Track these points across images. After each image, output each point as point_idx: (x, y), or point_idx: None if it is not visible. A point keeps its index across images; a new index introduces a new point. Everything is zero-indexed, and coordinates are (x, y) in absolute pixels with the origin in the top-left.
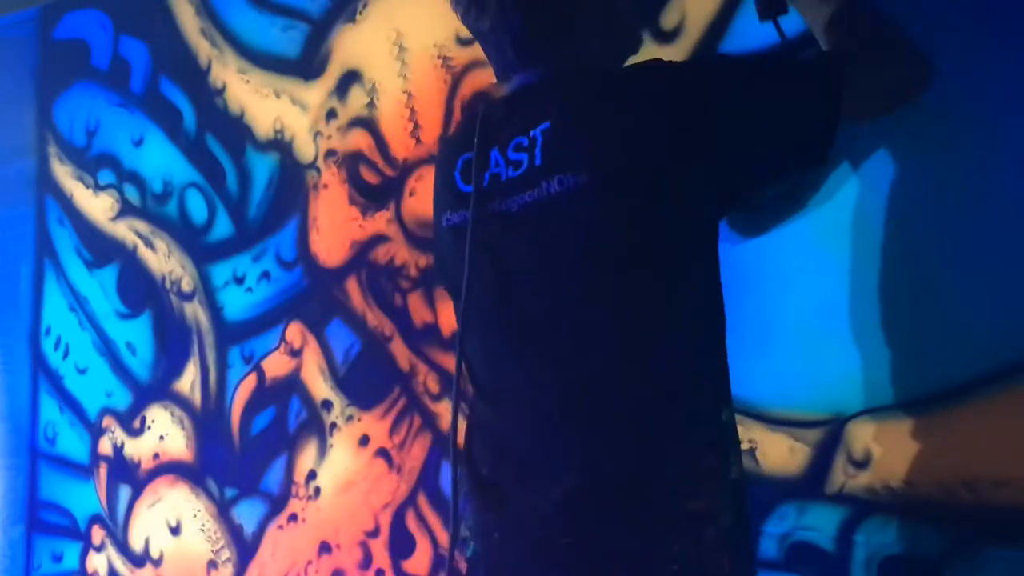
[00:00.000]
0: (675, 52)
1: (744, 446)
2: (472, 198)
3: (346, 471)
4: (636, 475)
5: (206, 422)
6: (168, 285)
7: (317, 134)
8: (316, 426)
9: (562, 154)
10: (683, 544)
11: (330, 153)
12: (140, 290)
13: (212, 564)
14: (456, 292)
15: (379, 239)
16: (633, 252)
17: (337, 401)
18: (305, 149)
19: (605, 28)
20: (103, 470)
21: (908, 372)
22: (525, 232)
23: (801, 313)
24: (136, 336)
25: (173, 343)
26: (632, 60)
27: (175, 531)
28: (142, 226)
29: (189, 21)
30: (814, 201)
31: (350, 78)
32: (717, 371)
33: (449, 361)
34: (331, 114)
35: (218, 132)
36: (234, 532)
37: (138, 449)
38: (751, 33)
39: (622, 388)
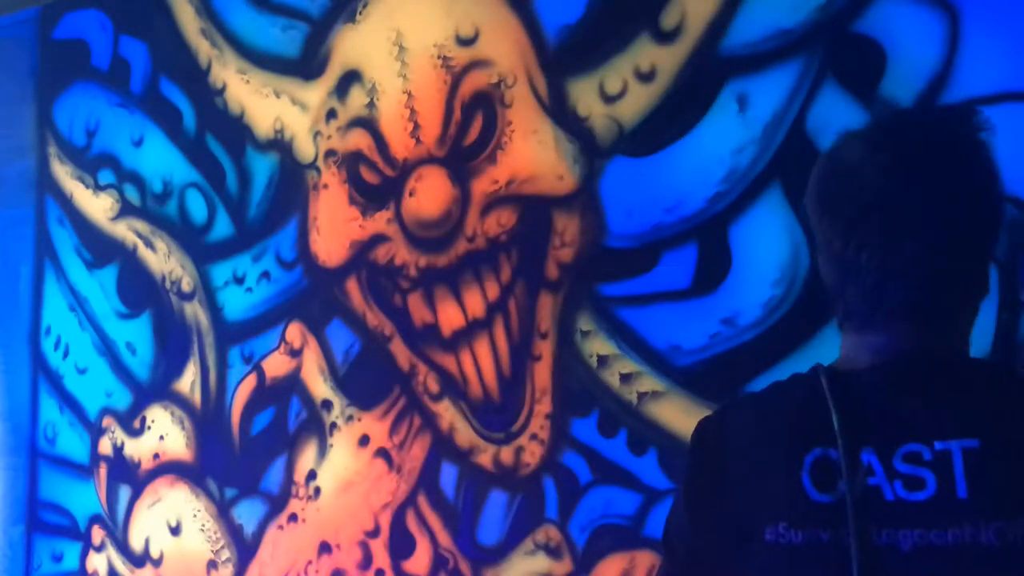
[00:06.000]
0: (675, 52)
1: None
2: (851, 516)
3: (346, 471)
4: None
5: (206, 422)
6: (168, 285)
7: (317, 134)
8: (316, 426)
9: (1008, 493)
10: None
11: (330, 153)
12: (140, 290)
13: (212, 564)
14: None
15: (379, 239)
16: None
17: (337, 401)
18: (305, 149)
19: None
20: (103, 470)
21: None
22: None
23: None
24: (136, 336)
25: (173, 343)
26: None
27: (175, 531)
28: (142, 226)
29: (189, 21)
30: None
31: (350, 78)
32: None
33: (450, 361)
34: (331, 114)
35: (218, 132)
36: (234, 532)
37: (138, 449)
38: (751, 34)
39: None
